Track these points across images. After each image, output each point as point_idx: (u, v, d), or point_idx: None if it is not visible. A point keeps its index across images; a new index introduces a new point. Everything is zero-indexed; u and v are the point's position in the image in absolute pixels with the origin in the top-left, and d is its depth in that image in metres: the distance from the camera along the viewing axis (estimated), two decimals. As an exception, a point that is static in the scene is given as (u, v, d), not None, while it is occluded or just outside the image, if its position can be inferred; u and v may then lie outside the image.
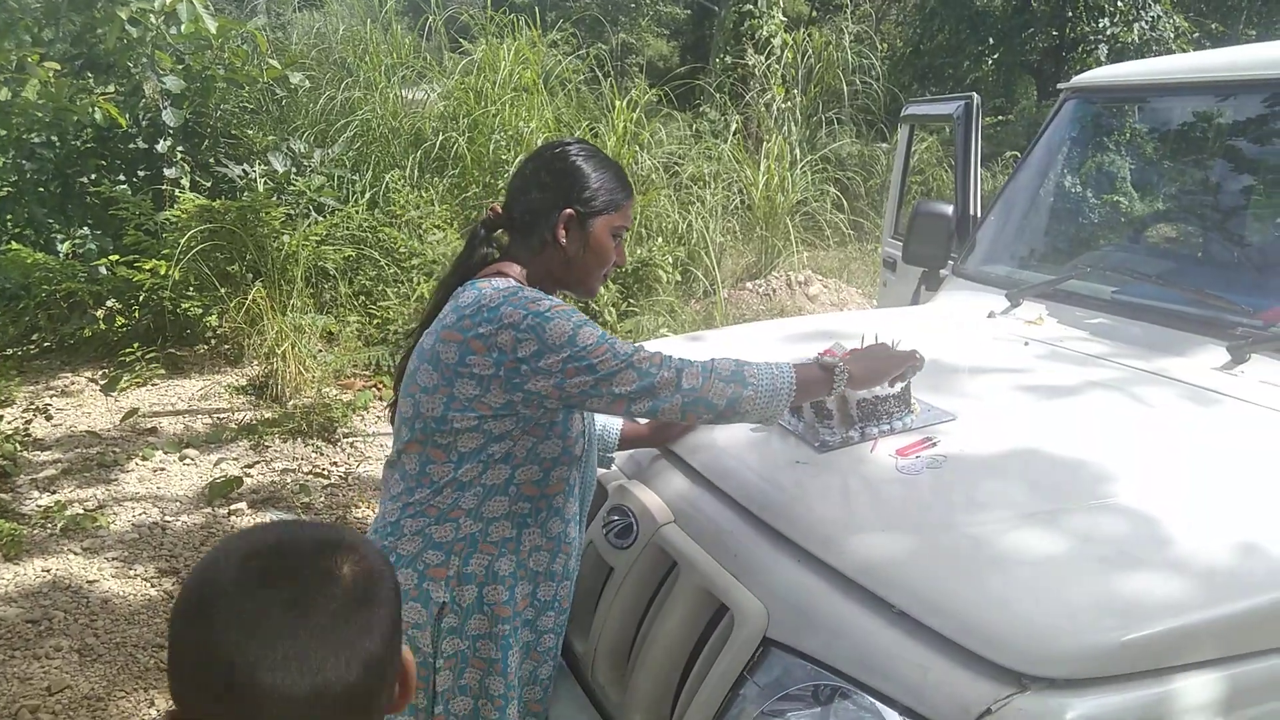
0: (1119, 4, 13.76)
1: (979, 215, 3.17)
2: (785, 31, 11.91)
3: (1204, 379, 1.97)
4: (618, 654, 1.77)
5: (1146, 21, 13.76)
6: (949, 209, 3.12)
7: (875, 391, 1.79)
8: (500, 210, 1.71)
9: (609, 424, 1.97)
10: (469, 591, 1.57)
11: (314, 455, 4.61)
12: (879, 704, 1.27)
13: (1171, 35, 13.69)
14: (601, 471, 2.02)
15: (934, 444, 1.73)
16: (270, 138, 6.76)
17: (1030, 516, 1.45)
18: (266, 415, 5.00)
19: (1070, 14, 14.37)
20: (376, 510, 1.68)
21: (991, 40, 15.20)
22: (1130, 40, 13.53)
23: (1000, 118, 14.29)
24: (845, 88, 11.23)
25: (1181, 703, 1.18)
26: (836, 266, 8.95)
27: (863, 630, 1.35)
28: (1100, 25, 13.86)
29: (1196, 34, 14.43)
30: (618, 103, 8.04)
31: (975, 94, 3.30)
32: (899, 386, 1.82)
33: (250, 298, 5.53)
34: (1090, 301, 2.44)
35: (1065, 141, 2.94)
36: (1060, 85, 2.93)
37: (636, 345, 1.54)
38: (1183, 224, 2.92)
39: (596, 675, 1.79)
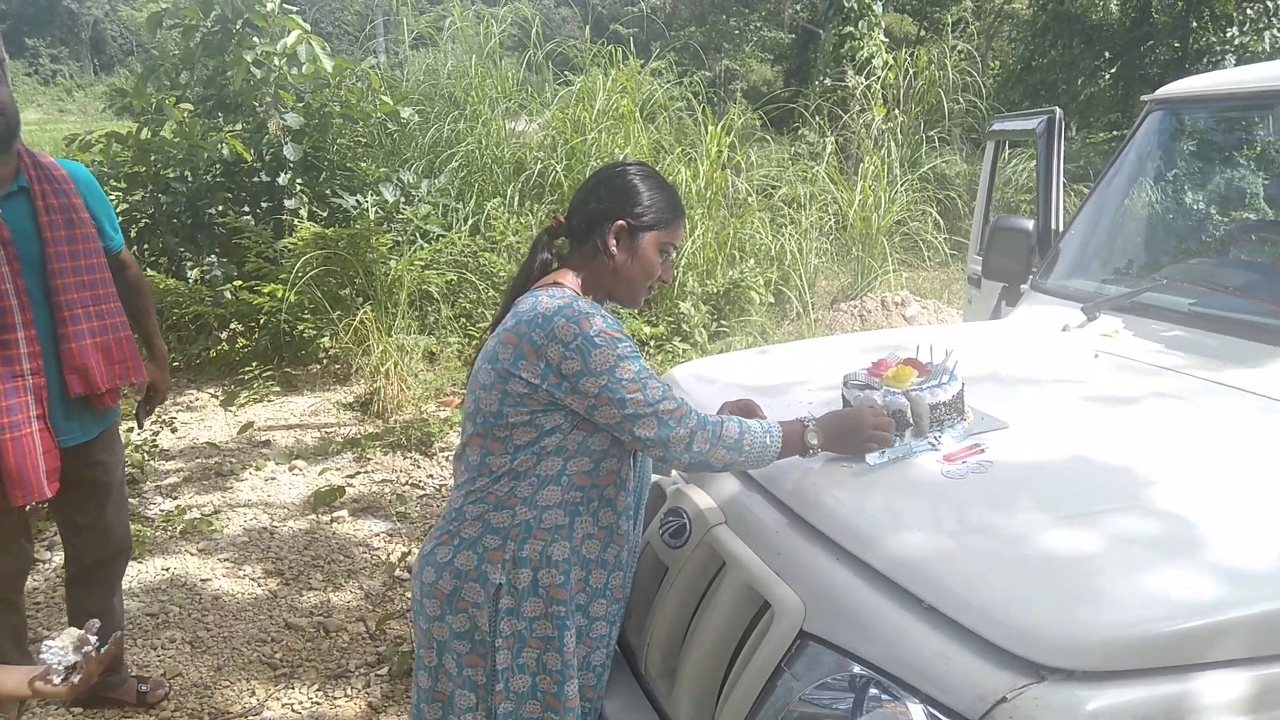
0: (1248, 11, 13.06)
1: (1061, 230, 3.12)
2: (887, 51, 11.84)
3: (1275, 390, 1.91)
4: (669, 648, 1.83)
5: (1279, 29, 13.02)
6: (1029, 224, 3.10)
7: (928, 399, 1.82)
8: (563, 220, 1.84)
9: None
10: (524, 575, 1.68)
11: (412, 468, 4.83)
12: (905, 693, 1.30)
13: (1307, 42, 12.94)
14: (659, 476, 2.10)
15: (982, 450, 1.74)
16: (382, 169, 7.15)
17: (1066, 518, 1.46)
18: (370, 430, 5.27)
19: (1194, 24, 13.75)
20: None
21: (1108, 55, 14.70)
22: (1261, 49, 12.82)
23: (1116, 133, 13.77)
24: (949, 105, 11.05)
25: (1204, 700, 1.17)
26: (937, 288, 8.79)
27: (893, 624, 1.38)
28: (1228, 35, 13.19)
29: (1336, 41, 13.58)
30: (711, 127, 8.15)
31: (1058, 109, 3.26)
32: (951, 393, 1.84)
33: (358, 319, 5.84)
34: (1167, 314, 2.38)
35: (1149, 154, 2.88)
36: (1144, 97, 2.88)
37: (665, 389, 1.65)
38: (1268, 235, 2.81)
39: (649, 669, 1.86)
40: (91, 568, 2.69)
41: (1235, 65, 12.45)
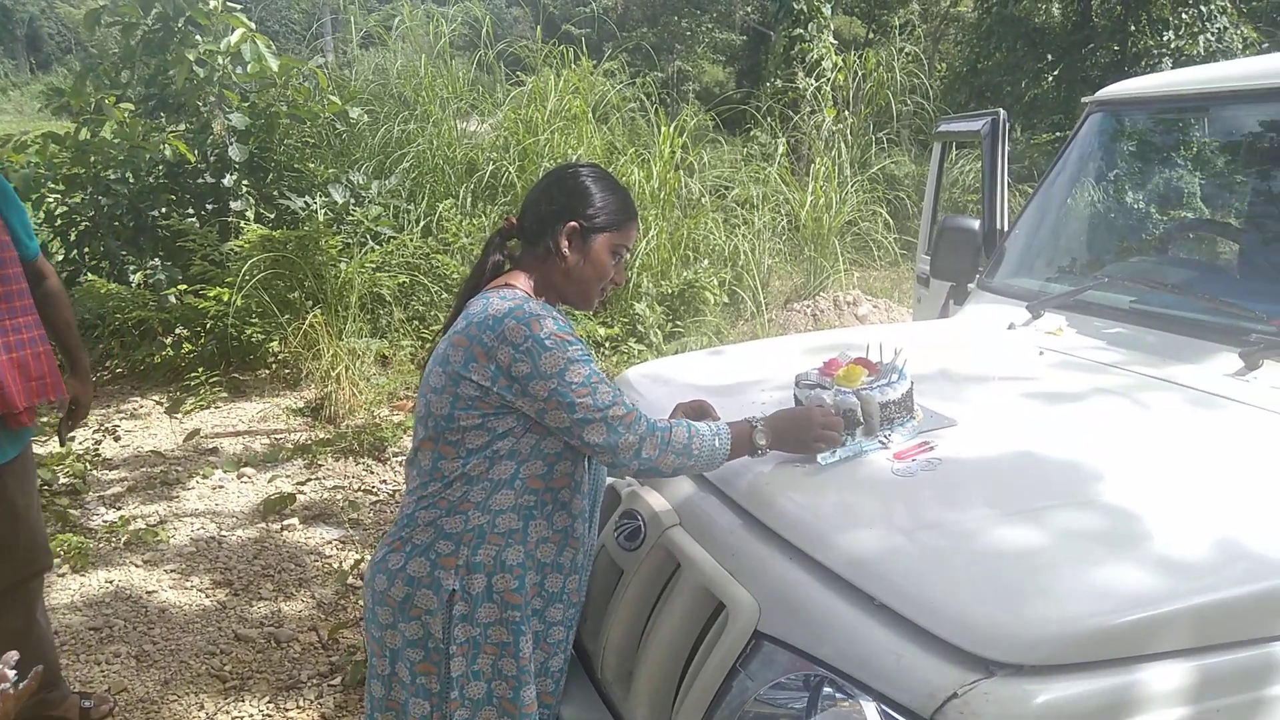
0: (1184, 16, 13.45)
1: (1005, 229, 3.18)
2: (836, 54, 11.97)
3: (1214, 385, 1.97)
4: (625, 652, 1.83)
5: (1212, 33, 13.42)
6: (975, 224, 3.15)
7: (878, 398, 1.84)
8: (515, 221, 1.83)
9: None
10: (478, 580, 1.66)
11: (364, 473, 4.77)
12: (858, 692, 1.31)
13: (1239, 46, 13.34)
14: (614, 479, 2.10)
15: (931, 448, 1.76)
16: (331, 170, 7.04)
17: (1013, 514, 1.48)
18: (321, 435, 5.19)
19: (1133, 28, 14.11)
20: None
21: (1050, 57, 15.03)
22: (1195, 53, 13.20)
23: (1059, 134, 14.08)
24: (897, 107, 11.20)
25: (1149, 691, 1.19)
26: (888, 287, 8.91)
27: (847, 623, 1.39)
28: (1164, 38, 13.56)
29: (1265, 44, 14.03)
30: (664, 128, 8.16)
31: (1002, 110, 3.32)
32: (901, 392, 1.86)
33: (308, 323, 5.75)
34: (1109, 311, 2.44)
35: (1090, 155, 2.94)
36: (1084, 99, 2.94)
37: (615, 394, 1.65)
38: (1204, 233, 2.89)
39: (605, 672, 1.85)
40: (11, 588, 2.52)
41: (1171, 68, 12.79)
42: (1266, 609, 1.28)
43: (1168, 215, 3.00)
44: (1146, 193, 2.99)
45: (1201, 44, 13.20)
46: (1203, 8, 13.11)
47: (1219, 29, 13.24)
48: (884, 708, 1.26)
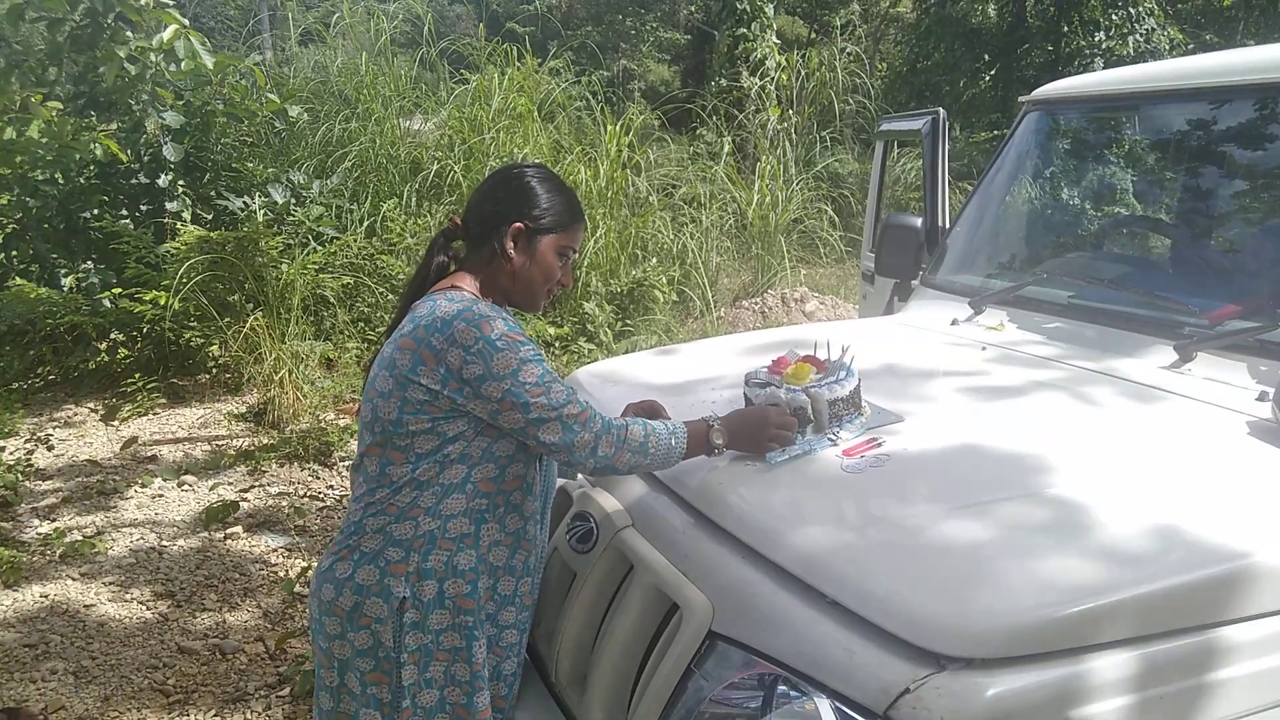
0: (1114, 17, 13.83)
1: (947, 227, 3.23)
2: (780, 53, 12.07)
3: (1150, 377, 2.02)
4: (579, 655, 1.82)
5: (1141, 34, 13.82)
6: (918, 221, 3.19)
7: (827, 395, 1.86)
8: (459, 222, 1.81)
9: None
10: (429, 587, 1.64)
11: (310, 479, 4.68)
12: (812, 689, 1.32)
13: (1166, 47, 13.76)
14: (565, 480, 2.09)
15: (880, 444, 1.78)
16: (270, 170, 6.89)
17: (960, 508, 1.50)
18: (264, 441, 5.09)
19: (1065, 29, 14.48)
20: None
21: (987, 57, 15.35)
22: (1125, 53, 13.58)
23: (997, 132, 14.38)
24: (839, 106, 11.34)
25: (1096, 681, 1.22)
26: (834, 283, 9.02)
27: (799, 620, 1.40)
28: (1095, 39, 13.94)
29: (1191, 45, 14.47)
30: (610, 127, 8.15)
31: (941, 109, 3.37)
32: (849, 389, 1.88)
33: (249, 326, 5.62)
34: (1048, 307, 2.49)
35: (1027, 153, 3.00)
36: (1021, 98, 3.00)
37: (570, 393, 1.64)
38: (1138, 229, 2.98)
39: (560, 677, 1.84)
40: None
41: (1103, 67, 13.14)
42: (1205, 596, 1.32)
43: (1103, 212, 3.07)
44: (1082, 190, 3.07)
45: (1131, 45, 13.58)
46: (1131, 10, 13.51)
47: (1147, 30, 13.64)
48: (838, 705, 1.27)
